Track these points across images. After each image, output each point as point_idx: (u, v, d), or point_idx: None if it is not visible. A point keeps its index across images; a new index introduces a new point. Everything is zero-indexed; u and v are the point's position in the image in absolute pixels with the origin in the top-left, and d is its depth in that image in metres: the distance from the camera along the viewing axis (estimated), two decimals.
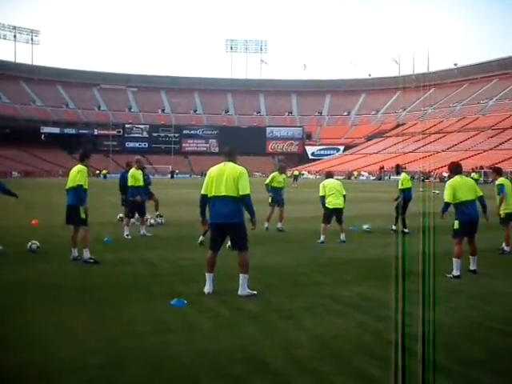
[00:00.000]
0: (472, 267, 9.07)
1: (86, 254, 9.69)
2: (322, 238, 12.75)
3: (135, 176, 13.62)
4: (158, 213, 16.69)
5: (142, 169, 17.31)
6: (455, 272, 8.65)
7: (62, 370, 4.67)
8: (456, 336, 5.61)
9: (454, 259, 8.72)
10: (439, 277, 8.10)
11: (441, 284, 7.68)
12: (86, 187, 9.88)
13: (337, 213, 13.03)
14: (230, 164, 7.47)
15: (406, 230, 13.95)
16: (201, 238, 11.56)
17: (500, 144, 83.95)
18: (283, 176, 15.55)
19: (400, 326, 5.50)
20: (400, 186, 14.93)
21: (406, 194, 14.85)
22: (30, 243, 10.89)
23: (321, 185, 13.33)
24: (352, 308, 6.77)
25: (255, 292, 7.37)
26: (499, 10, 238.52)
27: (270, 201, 15.28)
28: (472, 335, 5.72)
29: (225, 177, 7.32)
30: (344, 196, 13.22)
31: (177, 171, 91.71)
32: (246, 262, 7.41)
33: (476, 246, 9.17)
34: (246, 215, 7.46)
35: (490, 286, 8.23)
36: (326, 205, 13.02)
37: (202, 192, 7.57)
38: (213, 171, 7.53)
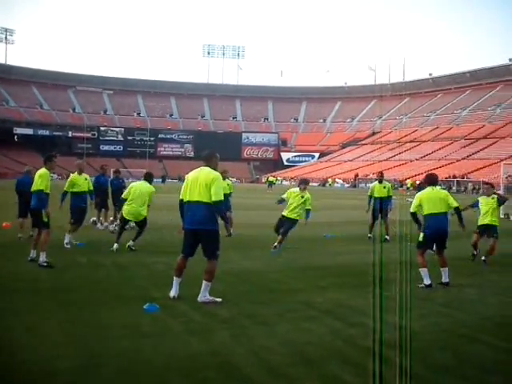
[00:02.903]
0: (444, 280, 8.88)
1: (43, 258, 9.51)
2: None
3: (75, 182, 12.60)
4: (112, 219, 16.20)
5: (117, 172, 17.42)
6: (426, 281, 8.65)
7: (33, 374, 4.62)
8: (427, 342, 5.66)
9: (420, 270, 8.70)
10: (411, 285, 8.15)
11: (412, 291, 7.74)
12: (48, 191, 9.85)
13: None
14: (206, 169, 7.41)
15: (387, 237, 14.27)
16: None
17: (472, 154, 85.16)
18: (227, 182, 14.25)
19: (375, 332, 5.55)
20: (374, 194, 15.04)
21: (384, 202, 14.94)
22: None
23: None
24: (325, 314, 6.79)
25: (219, 300, 7.23)
26: (473, 23, 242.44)
27: None
28: (442, 342, 5.78)
29: (199, 182, 7.28)
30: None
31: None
32: (212, 271, 7.29)
33: (445, 258, 9.00)
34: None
35: (461, 294, 8.33)
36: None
37: (180, 197, 7.55)
38: (190, 176, 7.50)
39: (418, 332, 5.90)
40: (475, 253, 11.72)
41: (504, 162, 44.99)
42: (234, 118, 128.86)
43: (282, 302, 7.35)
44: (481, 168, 74.11)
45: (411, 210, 9.19)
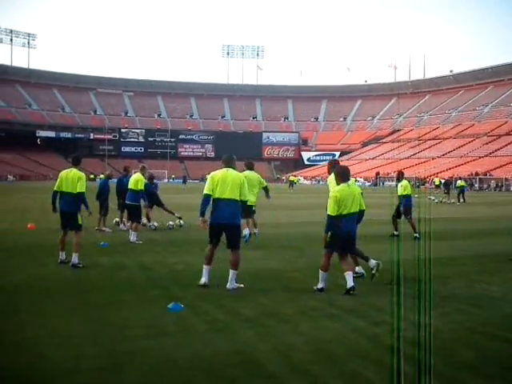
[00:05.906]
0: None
1: (75, 259, 9.66)
2: None
3: (139, 180, 14.12)
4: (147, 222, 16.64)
5: (151, 178, 17.76)
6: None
7: (55, 372, 4.69)
8: (448, 340, 5.66)
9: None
10: (434, 282, 8.13)
11: (434, 289, 7.72)
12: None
13: None
14: (233, 171, 8.25)
15: (396, 233, 14.18)
16: None
17: (495, 150, 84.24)
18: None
19: (395, 330, 5.56)
20: (401, 192, 14.66)
21: (407, 200, 14.61)
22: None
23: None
24: (348, 312, 6.81)
25: (241, 285, 8.07)
26: (495, 19, 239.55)
27: None
28: (464, 340, 5.77)
29: (229, 181, 8.08)
30: None
31: (173, 176, 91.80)
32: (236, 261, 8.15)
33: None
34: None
35: (483, 291, 8.28)
36: None
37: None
38: (218, 175, 8.21)
39: (441, 330, 5.90)
40: None
41: None
42: (255, 117, 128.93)
43: (305, 301, 7.38)
44: (504, 165, 73.31)
45: None
